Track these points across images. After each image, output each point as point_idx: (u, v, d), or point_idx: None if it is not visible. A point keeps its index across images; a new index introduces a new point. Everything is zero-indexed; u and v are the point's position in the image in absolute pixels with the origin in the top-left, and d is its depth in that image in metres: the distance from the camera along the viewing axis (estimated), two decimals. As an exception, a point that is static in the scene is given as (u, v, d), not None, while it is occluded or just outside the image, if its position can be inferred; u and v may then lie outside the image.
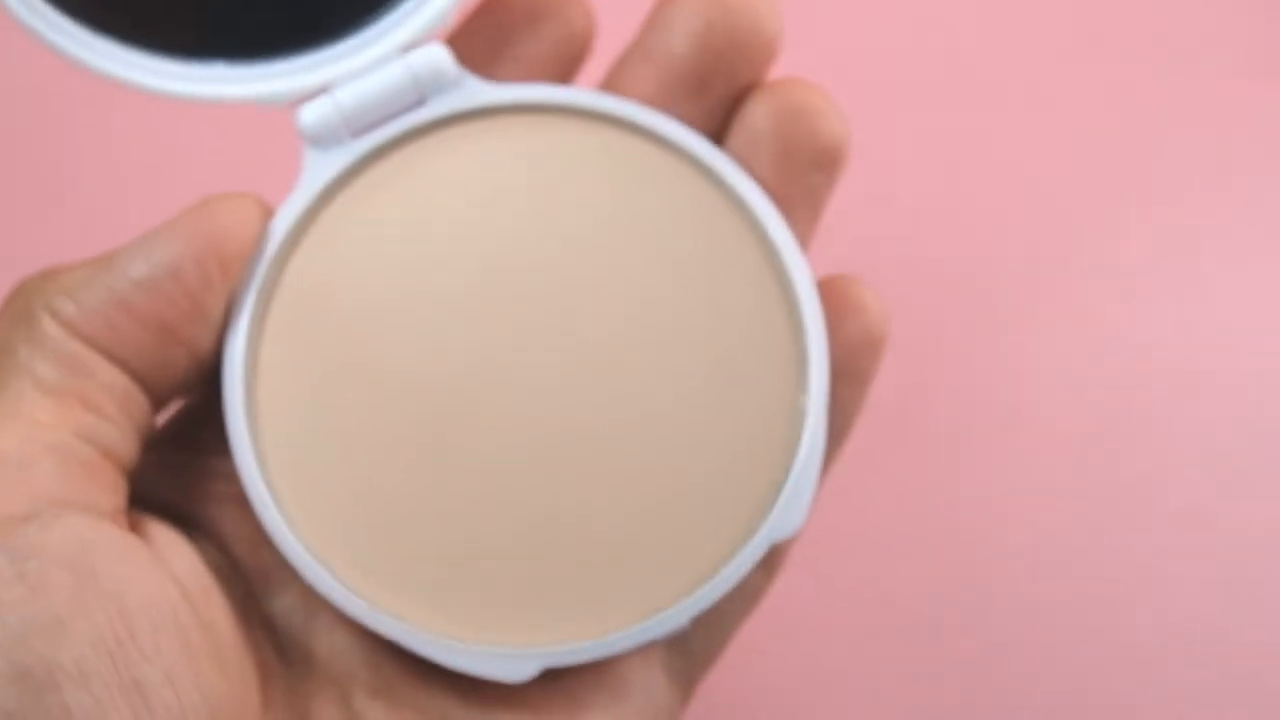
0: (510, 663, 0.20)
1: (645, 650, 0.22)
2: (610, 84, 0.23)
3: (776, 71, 0.23)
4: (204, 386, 0.22)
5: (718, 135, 0.23)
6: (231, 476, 0.21)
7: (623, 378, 0.21)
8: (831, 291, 0.23)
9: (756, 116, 0.22)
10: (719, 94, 0.23)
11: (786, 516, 0.21)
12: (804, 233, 0.23)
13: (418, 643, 0.21)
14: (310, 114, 0.21)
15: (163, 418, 0.22)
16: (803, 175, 0.22)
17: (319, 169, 0.22)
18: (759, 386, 0.21)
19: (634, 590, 0.21)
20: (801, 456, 0.21)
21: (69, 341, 0.19)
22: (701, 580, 0.21)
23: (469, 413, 0.21)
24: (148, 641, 0.17)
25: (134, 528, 0.20)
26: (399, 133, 0.22)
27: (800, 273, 0.22)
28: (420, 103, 0.22)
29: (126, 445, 0.20)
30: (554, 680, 0.21)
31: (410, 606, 0.21)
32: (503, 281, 0.22)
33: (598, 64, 0.24)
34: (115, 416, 0.20)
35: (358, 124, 0.21)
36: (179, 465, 0.22)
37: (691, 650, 0.23)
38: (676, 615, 0.21)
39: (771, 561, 0.24)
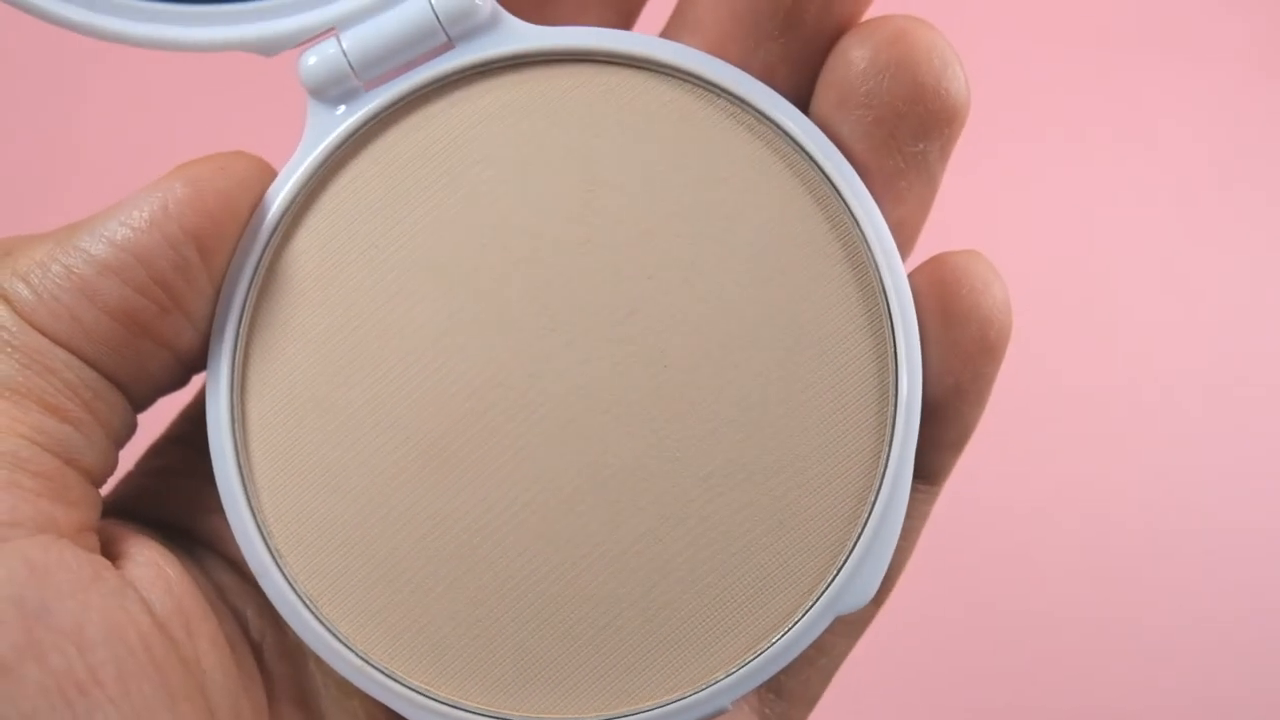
0: None
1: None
2: (679, 21, 0.20)
3: (877, 8, 0.19)
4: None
5: (805, 86, 0.19)
6: None
7: (671, 401, 0.18)
8: (939, 276, 0.18)
9: (851, 64, 0.18)
10: (808, 34, 0.19)
11: (852, 586, 0.18)
12: (914, 211, 0.19)
13: (413, 709, 0.18)
14: (313, 60, 0.18)
15: (165, 417, 0.20)
16: (907, 143, 0.18)
17: (324, 127, 0.19)
18: (830, 427, 0.18)
19: (663, 666, 0.18)
20: (876, 514, 0.18)
21: (25, 332, 0.17)
22: (743, 657, 0.18)
23: (498, 432, 0.18)
24: (112, 683, 0.15)
25: (110, 546, 0.17)
26: (421, 84, 0.19)
27: (893, 279, 0.18)
28: (448, 47, 0.19)
29: (96, 451, 0.17)
30: None
31: (404, 662, 0.18)
32: (544, 270, 0.18)
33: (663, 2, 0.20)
34: (81, 418, 0.17)
35: (371, 72, 0.19)
36: (183, 471, 0.20)
37: (786, 690, 0.20)
38: (709, 700, 0.18)
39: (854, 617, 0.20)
